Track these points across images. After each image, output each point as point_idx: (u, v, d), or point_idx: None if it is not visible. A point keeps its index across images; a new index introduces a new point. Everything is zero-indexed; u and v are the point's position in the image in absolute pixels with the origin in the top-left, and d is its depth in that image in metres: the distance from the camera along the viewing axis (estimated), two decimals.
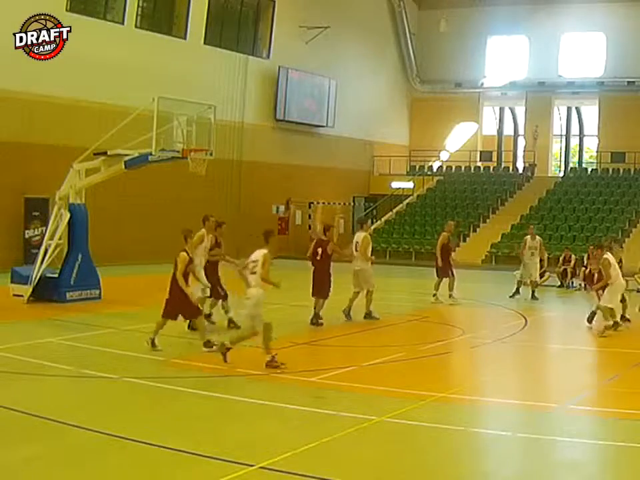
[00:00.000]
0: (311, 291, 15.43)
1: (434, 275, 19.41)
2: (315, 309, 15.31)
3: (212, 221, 14.15)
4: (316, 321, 15.21)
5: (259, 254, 11.21)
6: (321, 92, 36.54)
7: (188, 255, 12.22)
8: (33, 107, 24.69)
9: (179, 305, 12.12)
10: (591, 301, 17.01)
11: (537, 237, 21.22)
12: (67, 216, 17.66)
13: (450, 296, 18.90)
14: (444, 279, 19.10)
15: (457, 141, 42.35)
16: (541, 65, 39.62)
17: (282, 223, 35.45)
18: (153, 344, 12.25)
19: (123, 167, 17.52)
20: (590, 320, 15.53)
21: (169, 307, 12.30)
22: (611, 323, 14.59)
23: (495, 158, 42.46)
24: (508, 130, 43.92)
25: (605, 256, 14.80)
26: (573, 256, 24.38)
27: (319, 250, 15.36)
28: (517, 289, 20.55)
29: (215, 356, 11.43)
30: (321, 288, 15.32)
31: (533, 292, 20.32)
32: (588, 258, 24.03)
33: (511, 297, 20.24)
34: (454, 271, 19.24)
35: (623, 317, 15.43)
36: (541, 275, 21.93)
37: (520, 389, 10.83)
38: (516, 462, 7.62)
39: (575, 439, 8.22)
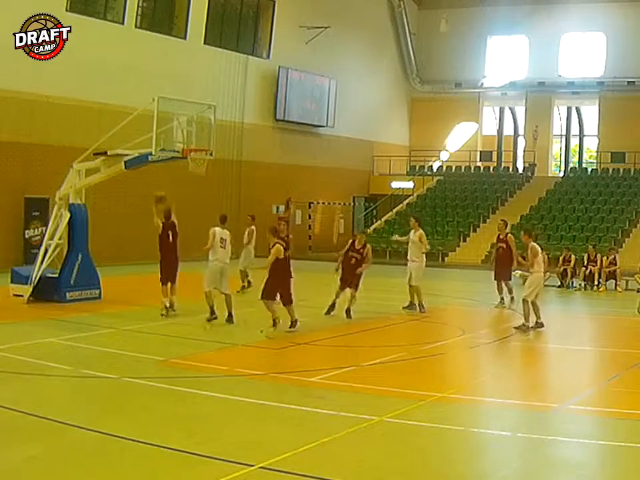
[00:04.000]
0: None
1: (434, 275, 19.36)
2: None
3: None
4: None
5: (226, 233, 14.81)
6: (321, 92, 36.52)
7: None
8: (33, 107, 24.67)
9: None
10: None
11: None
12: (66, 216, 17.65)
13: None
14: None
15: (457, 141, 42.33)
16: (541, 65, 39.60)
17: (282, 222, 35.34)
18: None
19: (123, 167, 17.53)
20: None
21: None
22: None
23: (495, 158, 42.39)
24: (508, 130, 43.83)
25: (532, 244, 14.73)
26: (572, 256, 24.36)
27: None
28: None
29: (214, 356, 11.42)
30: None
31: None
32: (588, 258, 24.10)
33: None
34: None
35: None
36: None
37: (520, 389, 10.82)
38: (516, 462, 7.61)
39: (575, 439, 8.22)
